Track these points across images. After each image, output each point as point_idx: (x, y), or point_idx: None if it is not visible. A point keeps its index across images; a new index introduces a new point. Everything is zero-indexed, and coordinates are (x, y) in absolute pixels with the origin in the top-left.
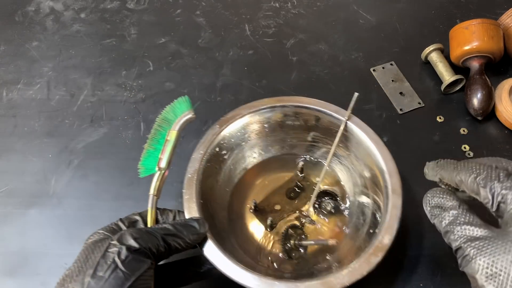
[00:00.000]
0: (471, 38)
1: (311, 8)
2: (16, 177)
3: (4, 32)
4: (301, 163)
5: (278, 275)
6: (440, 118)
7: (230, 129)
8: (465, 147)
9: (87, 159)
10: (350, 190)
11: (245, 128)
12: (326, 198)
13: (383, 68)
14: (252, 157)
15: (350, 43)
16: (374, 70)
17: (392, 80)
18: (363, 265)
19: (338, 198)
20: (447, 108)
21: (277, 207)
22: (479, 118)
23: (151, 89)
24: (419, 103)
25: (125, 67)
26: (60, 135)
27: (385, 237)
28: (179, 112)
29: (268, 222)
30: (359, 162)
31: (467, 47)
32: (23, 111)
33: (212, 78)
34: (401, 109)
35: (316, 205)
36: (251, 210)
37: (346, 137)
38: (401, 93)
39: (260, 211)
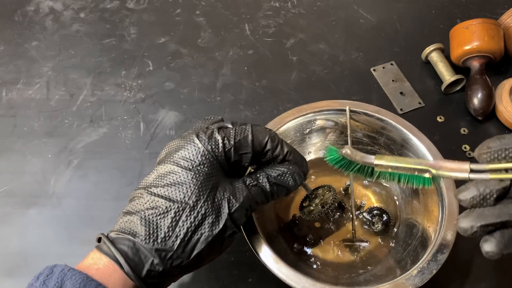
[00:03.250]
0: (471, 38)
1: (311, 8)
2: (15, 177)
3: (3, 32)
4: (347, 183)
5: (334, 282)
6: (440, 118)
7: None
8: (465, 147)
9: (86, 159)
10: (401, 206)
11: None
12: (376, 216)
13: (383, 68)
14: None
15: (350, 43)
16: (374, 70)
17: (393, 80)
18: (431, 263)
19: (389, 216)
20: (447, 108)
21: (317, 224)
22: (480, 118)
23: (151, 89)
24: (420, 103)
25: (124, 67)
26: (60, 135)
27: (448, 233)
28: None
29: (308, 239)
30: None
31: (467, 47)
32: (22, 111)
33: (212, 78)
34: (401, 109)
35: (366, 223)
36: (292, 224)
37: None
38: (401, 93)
39: (298, 226)
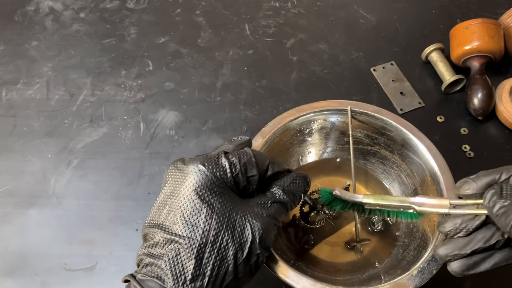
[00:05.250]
0: (471, 38)
1: (311, 8)
2: (15, 177)
3: (3, 32)
4: (347, 183)
5: (334, 282)
6: (440, 118)
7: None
8: (465, 147)
9: (86, 159)
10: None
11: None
12: (375, 216)
13: (383, 68)
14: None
15: (350, 43)
16: (374, 70)
17: (393, 80)
18: (431, 263)
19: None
20: (447, 108)
21: (318, 225)
22: (480, 118)
23: (151, 89)
24: (420, 103)
25: (124, 67)
26: (60, 135)
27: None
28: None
29: (307, 239)
30: (410, 166)
31: (467, 47)
32: (22, 111)
33: (212, 78)
34: (401, 109)
35: (366, 222)
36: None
37: (405, 149)
38: (401, 93)
39: (298, 225)
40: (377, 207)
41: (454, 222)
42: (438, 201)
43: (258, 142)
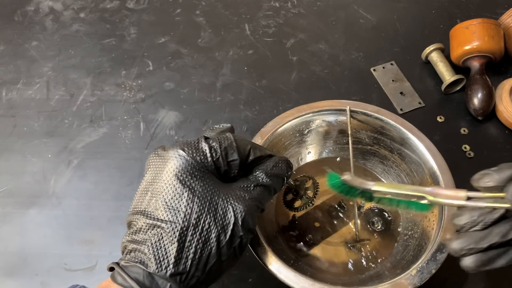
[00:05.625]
0: (471, 38)
1: (311, 8)
2: (15, 177)
3: (3, 32)
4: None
5: (334, 282)
6: (440, 118)
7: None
8: (465, 147)
9: (86, 159)
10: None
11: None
12: (376, 215)
13: (383, 68)
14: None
15: (350, 43)
16: (374, 70)
17: (393, 80)
18: (430, 263)
19: (389, 215)
20: (447, 108)
21: (317, 224)
22: (480, 118)
23: (151, 89)
24: (420, 103)
25: (124, 67)
26: (60, 135)
27: (447, 233)
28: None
29: (307, 239)
30: (410, 166)
31: (467, 47)
32: (22, 111)
33: (212, 78)
34: (401, 109)
35: (367, 222)
36: (292, 224)
37: (403, 149)
38: (401, 93)
39: (298, 225)
40: (388, 196)
41: (471, 214)
42: (454, 192)
43: (257, 142)
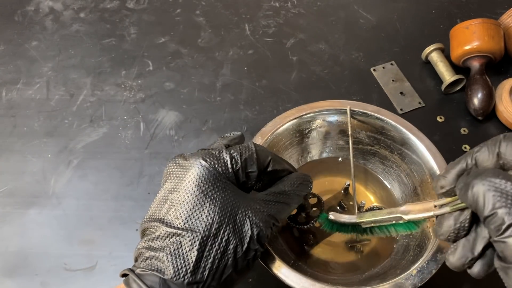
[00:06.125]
0: (471, 38)
1: (311, 8)
2: (15, 177)
3: (3, 32)
4: (347, 183)
5: (334, 282)
6: (440, 118)
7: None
8: (465, 147)
9: (86, 159)
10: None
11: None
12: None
13: (383, 68)
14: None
15: (350, 43)
16: (374, 70)
17: (393, 80)
18: (430, 263)
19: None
20: (447, 108)
21: (317, 224)
22: (480, 118)
23: (151, 89)
24: (420, 103)
25: (124, 67)
26: (60, 135)
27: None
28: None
29: (307, 239)
30: (410, 166)
31: (467, 47)
32: (22, 111)
33: (212, 78)
34: (401, 109)
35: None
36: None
37: (404, 150)
38: (401, 93)
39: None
40: (373, 224)
41: (449, 223)
42: (423, 205)
43: (258, 142)
